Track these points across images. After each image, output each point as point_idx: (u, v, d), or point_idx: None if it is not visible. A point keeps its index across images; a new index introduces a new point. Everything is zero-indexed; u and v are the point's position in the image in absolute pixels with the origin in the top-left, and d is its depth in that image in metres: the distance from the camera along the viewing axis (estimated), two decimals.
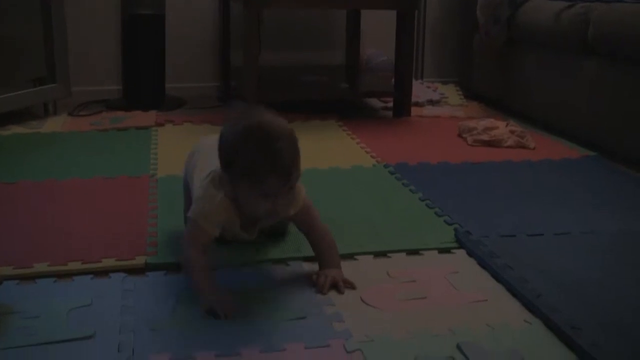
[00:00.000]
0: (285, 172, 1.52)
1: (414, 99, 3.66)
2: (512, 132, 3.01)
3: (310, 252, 1.76)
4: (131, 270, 1.73)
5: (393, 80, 3.61)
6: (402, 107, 3.54)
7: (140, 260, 1.77)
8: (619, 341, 1.43)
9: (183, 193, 1.97)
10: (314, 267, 1.72)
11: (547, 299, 1.59)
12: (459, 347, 1.40)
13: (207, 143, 1.81)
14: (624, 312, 1.56)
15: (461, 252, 1.88)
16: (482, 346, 1.41)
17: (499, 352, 1.39)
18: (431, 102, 3.87)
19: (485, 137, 3.00)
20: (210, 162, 1.68)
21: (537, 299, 1.59)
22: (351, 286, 1.65)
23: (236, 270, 1.74)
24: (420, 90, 3.99)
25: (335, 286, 1.64)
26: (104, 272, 1.72)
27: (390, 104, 3.63)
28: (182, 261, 1.67)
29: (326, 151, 2.82)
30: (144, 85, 3.75)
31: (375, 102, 3.84)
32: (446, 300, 1.62)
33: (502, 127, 3.05)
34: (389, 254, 1.85)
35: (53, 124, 3.28)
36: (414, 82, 3.76)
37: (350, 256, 1.81)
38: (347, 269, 1.71)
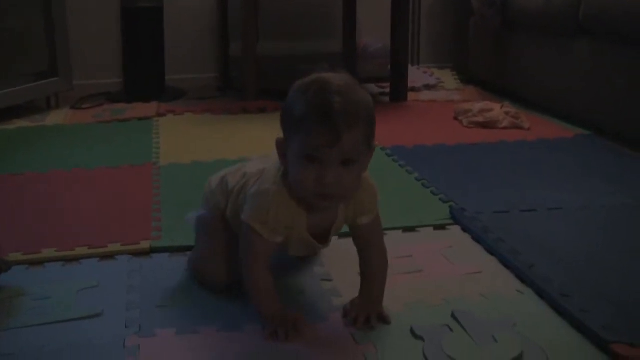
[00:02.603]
0: (334, 129, 1.27)
1: (410, 84, 3.71)
2: (507, 113, 3.07)
3: None
4: (137, 254, 1.79)
5: (389, 66, 3.66)
6: (399, 92, 3.59)
7: (145, 245, 1.82)
8: (606, 307, 1.48)
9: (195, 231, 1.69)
10: None
11: (539, 270, 1.64)
12: (453, 316, 1.45)
13: (236, 168, 1.62)
14: (613, 280, 1.61)
15: (456, 228, 1.94)
16: (476, 314, 1.46)
17: (492, 320, 1.44)
18: (428, 87, 3.93)
19: (480, 118, 3.05)
20: (258, 165, 1.52)
21: (529, 269, 1.64)
22: (386, 321, 1.45)
23: None
24: (416, 75, 4.04)
25: (369, 320, 1.44)
26: (110, 256, 1.78)
27: (388, 90, 3.68)
28: (244, 276, 1.45)
29: None
30: (145, 77, 3.80)
31: (372, 88, 3.89)
32: (441, 273, 1.67)
33: (497, 109, 3.10)
34: (385, 232, 1.87)
35: (56, 117, 3.34)
36: (410, 67, 3.81)
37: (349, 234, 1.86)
38: (346, 246, 1.65)
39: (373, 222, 1.47)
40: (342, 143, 1.27)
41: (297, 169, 1.33)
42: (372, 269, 1.49)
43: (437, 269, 1.69)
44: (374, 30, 4.15)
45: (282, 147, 1.37)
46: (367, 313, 1.44)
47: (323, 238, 1.47)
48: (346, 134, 1.27)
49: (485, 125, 3.02)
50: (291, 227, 1.41)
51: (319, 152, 1.29)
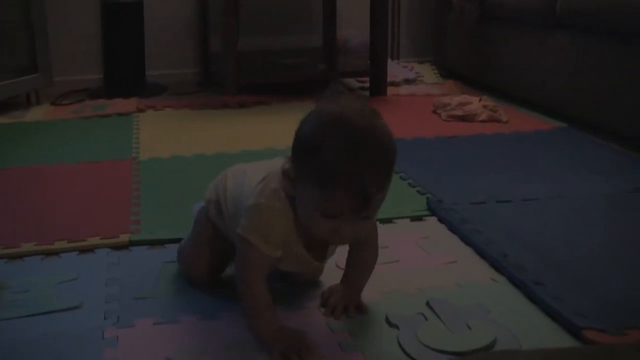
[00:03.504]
0: (363, 198, 1.17)
1: (390, 79, 3.72)
2: (485, 106, 3.09)
3: None
4: (116, 247, 1.80)
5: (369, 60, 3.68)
6: (379, 86, 3.61)
7: (124, 238, 1.83)
8: (579, 295, 1.51)
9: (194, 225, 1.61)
10: None
11: (513, 259, 1.66)
12: (428, 304, 1.48)
13: (241, 167, 1.52)
14: (586, 269, 1.64)
15: (432, 219, 1.96)
16: (451, 302, 1.48)
17: (467, 307, 1.46)
18: (407, 81, 3.94)
19: (459, 112, 3.07)
20: (261, 171, 1.38)
21: (503, 258, 1.67)
22: (363, 310, 1.45)
23: None
24: (396, 70, 4.06)
25: (346, 309, 1.45)
26: (89, 249, 1.79)
27: (367, 84, 3.69)
28: (240, 295, 1.38)
29: None
30: (125, 73, 3.81)
31: (352, 83, 3.91)
32: (417, 263, 1.69)
33: (475, 102, 3.12)
34: None
35: (36, 114, 3.34)
36: (390, 62, 3.83)
37: None
38: None
39: (371, 227, 1.41)
40: (369, 206, 1.20)
41: (311, 217, 1.25)
42: (362, 263, 1.46)
43: (413, 259, 1.72)
44: (353, 25, 4.16)
45: (290, 177, 1.27)
46: (346, 302, 1.45)
47: (320, 255, 1.41)
48: (375, 198, 1.20)
49: (463, 118, 3.05)
50: (288, 244, 1.34)
51: (338, 212, 1.20)
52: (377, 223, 1.50)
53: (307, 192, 1.22)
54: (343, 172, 1.16)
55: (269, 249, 1.32)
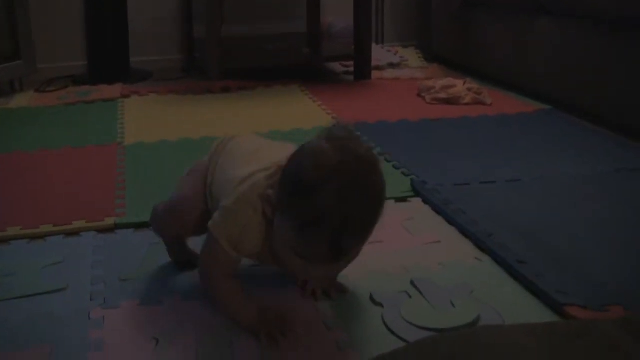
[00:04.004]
0: (337, 252, 1.15)
1: (374, 63, 3.73)
2: (469, 89, 3.10)
3: None
4: (101, 230, 1.80)
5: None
6: (363, 70, 3.61)
7: (110, 221, 1.84)
8: (561, 272, 1.52)
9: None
10: None
11: (497, 238, 1.68)
12: (412, 283, 1.49)
13: (246, 139, 1.52)
14: (568, 247, 1.65)
15: (417, 201, 1.97)
16: (435, 281, 1.50)
17: (450, 286, 1.48)
18: (392, 65, 3.95)
19: (443, 95, 3.08)
20: (252, 162, 1.34)
21: (487, 238, 1.68)
22: (343, 290, 1.46)
23: None
24: (380, 54, 4.07)
25: (327, 293, 1.44)
26: (75, 233, 1.79)
27: (352, 69, 3.69)
28: (208, 288, 1.38)
29: (288, 114, 2.89)
30: (109, 59, 3.80)
31: (337, 67, 3.91)
32: (401, 243, 1.71)
33: (459, 85, 3.13)
34: None
35: (20, 100, 3.33)
36: (374, 46, 3.83)
37: None
38: None
39: None
40: (346, 259, 1.20)
41: (284, 251, 1.22)
42: None
43: (397, 239, 1.73)
44: (338, 10, 4.16)
45: (272, 203, 1.23)
46: (324, 285, 1.45)
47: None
48: (351, 252, 1.18)
49: (448, 101, 3.06)
50: (258, 255, 1.33)
51: (314, 261, 1.18)
52: None
53: (285, 227, 1.18)
54: (323, 226, 1.12)
55: (235, 253, 1.29)
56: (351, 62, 3.70)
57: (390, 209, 1.88)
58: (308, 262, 1.18)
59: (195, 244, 1.53)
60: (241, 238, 1.27)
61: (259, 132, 2.37)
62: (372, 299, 1.43)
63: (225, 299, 1.35)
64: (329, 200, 1.10)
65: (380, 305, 1.41)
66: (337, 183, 1.11)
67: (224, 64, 3.48)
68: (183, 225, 1.49)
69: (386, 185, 1.20)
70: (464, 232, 1.75)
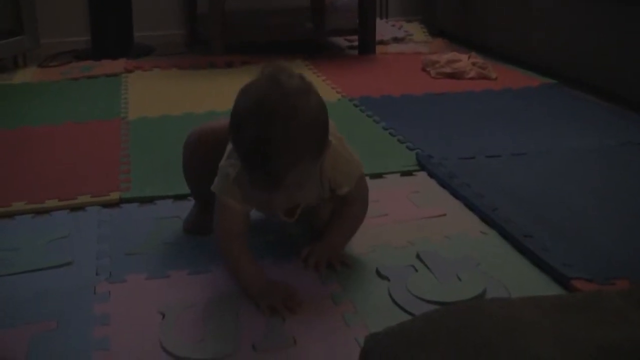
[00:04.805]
0: (271, 178, 1.22)
1: (378, 38, 3.71)
2: (474, 64, 3.09)
3: None
4: (106, 205, 1.80)
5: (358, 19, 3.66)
6: (367, 44, 3.59)
7: (114, 196, 1.84)
8: (567, 246, 1.52)
9: None
10: None
11: (502, 212, 1.68)
12: (418, 256, 1.49)
13: None
14: (573, 221, 1.65)
15: (422, 174, 1.97)
16: (440, 254, 1.50)
17: (456, 259, 1.48)
18: (396, 40, 3.93)
19: (448, 69, 3.07)
20: None
21: (493, 212, 1.68)
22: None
23: None
24: (385, 28, 4.05)
25: (331, 265, 1.45)
26: (80, 207, 1.79)
27: (356, 43, 3.68)
28: (220, 252, 1.42)
29: None
30: (112, 34, 3.78)
31: (341, 42, 3.89)
32: (407, 216, 1.70)
33: (464, 60, 3.12)
34: None
35: (23, 76, 3.31)
36: (378, 21, 3.82)
37: None
38: None
39: (356, 186, 1.42)
40: (284, 183, 1.22)
41: (246, 183, 1.29)
42: (344, 222, 1.47)
43: (403, 212, 1.72)
44: None
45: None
46: (328, 258, 1.45)
47: (290, 213, 1.41)
48: (287, 174, 1.21)
49: (452, 75, 3.05)
50: (258, 200, 1.37)
51: (262, 188, 1.25)
52: (367, 178, 1.51)
53: (240, 163, 1.28)
54: (253, 154, 1.21)
55: (238, 202, 1.35)
56: (355, 37, 3.68)
57: (396, 182, 1.91)
58: (262, 192, 1.26)
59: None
60: (233, 189, 1.34)
61: None
62: (378, 272, 1.43)
63: (237, 265, 1.38)
64: (252, 129, 1.20)
65: (387, 279, 1.41)
66: (260, 112, 1.20)
67: (226, 38, 3.46)
68: (206, 152, 1.50)
69: (323, 110, 1.28)
70: (470, 206, 1.75)
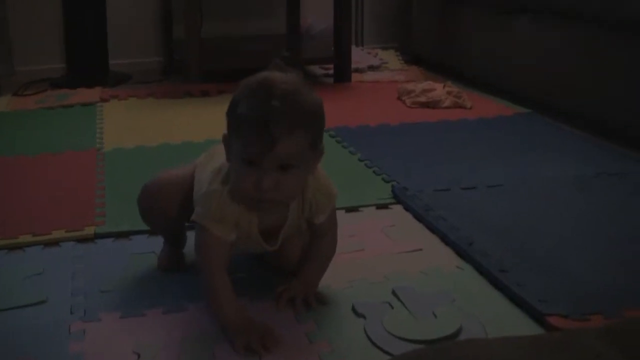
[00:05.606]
0: (268, 136, 1.24)
1: (354, 65, 3.73)
2: (449, 93, 3.10)
3: None
4: (81, 240, 1.79)
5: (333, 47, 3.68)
6: (343, 72, 3.61)
7: (89, 231, 1.82)
8: (542, 280, 1.53)
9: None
10: None
11: (478, 246, 1.68)
12: (394, 292, 1.49)
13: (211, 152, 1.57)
14: (550, 253, 1.66)
15: (398, 207, 1.97)
16: (417, 290, 1.50)
17: (432, 295, 1.48)
18: (371, 68, 3.94)
19: (423, 98, 3.08)
20: (215, 163, 1.45)
21: (468, 246, 1.68)
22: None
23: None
24: (360, 56, 4.06)
25: (306, 302, 1.46)
26: (54, 242, 1.77)
27: (331, 71, 3.69)
28: (202, 284, 1.41)
29: None
30: (88, 62, 3.77)
31: (316, 70, 3.91)
32: (383, 251, 1.71)
33: (439, 89, 3.13)
34: None
35: None
36: (354, 49, 3.83)
37: None
38: None
39: (329, 217, 1.45)
40: (278, 150, 1.25)
41: (237, 171, 1.31)
42: (318, 257, 1.49)
43: (378, 247, 1.73)
44: (317, 11, 4.15)
45: (227, 143, 1.36)
46: (304, 294, 1.46)
47: (272, 239, 1.43)
48: (282, 141, 1.24)
49: (427, 104, 3.06)
50: (240, 225, 1.37)
51: (255, 158, 1.27)
52: (343, 212, 1.51)
53: (232, 146, 1.32)
54: (250, 116, 1.26)
55: (222, 230, 1.35)
56: (331, 65, 3.70)
57: (372, 215, 1.91)
58: (256, 167, 1.27)
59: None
60: (221, 209, 1.35)
61: None
62: (354, 309, 1.43)
63: (215, 298, 1.37)
64: (253, 99, 1.27)
65: (363, 316, 1.41)
66: (260, 89, 1.28)
67: (203, 65, 3.46)
68: (168, 202, 1.53)
69: (321, 107, 1.36)
70: (445, 240, 1.75)
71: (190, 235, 1.57)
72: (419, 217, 1.89)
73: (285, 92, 1.26)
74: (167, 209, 1.53)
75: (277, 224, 1.42)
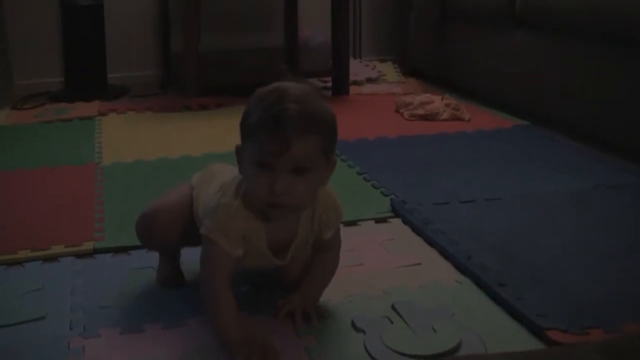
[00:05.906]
0: (283, 135, 1.25)
1: (352, 78, 3.73)
2: (447, 105, 3.11)
3: None
4: (80, 255, 1.79)
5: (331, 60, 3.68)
6: (341, 85, 3.62)
7: (88, 246, 1.82)
8: (542, 294, 1.53)
9: None
10: None
11: (477, 260, 1.68)
12: (393, 307, 1.49)
13: (212, 169, 1.60)
14: (549, 267, 1.66)
15: (397, 221, 1.97)
16: (416, 305, 1.50)
17: (431, 309, 1.48)
18: (370, 80, 3.95)
19: (421, 111, 3.09)
20: (220, 179, 1.48)
21: (467, 260, 1.68)
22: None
23: None
24: (358, 68, 4.07)
25: (306, 316, 1.46)
26: (53, 258, 1.77)
27: (330, 84, 3.70)
28: (203, 297, 1.39)
29: None
30: (86, 76, 3.78)
31: (314, 82, 3.91)
32: (382, 265, 1.71)
33: (437, 101, 3.14)
34: None
35: None
36: (352, 61, 3.84)
37: None
38: None
39: (336, 233, 1.47)
40: (292, 150, 1.25)
41: (250, 175, 1.31)
42: (321, 271, 1.49)
43: (377, 261, 1.73)
44: (315, 24, 4.16)
45: (240, 153, 1.36)
46: (304, 309, 1.46)
47: (282, 254, 1.42)
48: (296, 141, 1.25)
49: (426, 117, 3.07)
50: (249, 239, 1.37)
51: (269, 159, 1.27)
52: (341, 226, 1.51)
53: (245, 152, 1.33)
54: (264, 117, 1.27)
55: (230, 244, 1.34)
56: (329, 78, 3.70)
57: (370, 229, 1.91)
58: (269, 170, 1.28)
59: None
60: (229, 222, 1.34)
61: None
62: (353, 325, 1.43)
63: (217, 311, 1.36)
64: (268, 102, 1.28)
65: (362, 331, 1.40)
66: (273, 94, 1.29)
67: (202, 79, 3.47)
68: (167, 230, 1.55)
69: (334, 116, 1.37)
70: (444, 254, 1.75)
71: (191, 250, 1.58)
72: (417, 231, 1.89)
73: (299, 97, 1.28)
74: (167, 237, 1.55)
75: (288, 238, 1.41)
